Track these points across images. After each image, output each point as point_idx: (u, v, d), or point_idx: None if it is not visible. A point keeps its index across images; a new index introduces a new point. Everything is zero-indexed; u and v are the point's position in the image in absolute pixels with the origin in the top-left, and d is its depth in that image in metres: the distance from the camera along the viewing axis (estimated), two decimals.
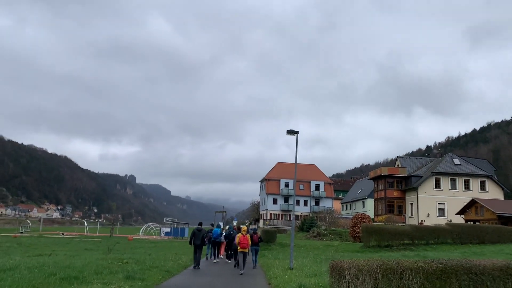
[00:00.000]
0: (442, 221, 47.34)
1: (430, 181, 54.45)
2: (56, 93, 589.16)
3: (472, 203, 45.38)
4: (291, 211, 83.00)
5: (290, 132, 16.40)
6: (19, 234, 58.42)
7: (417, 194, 54.04)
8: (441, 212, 53.88)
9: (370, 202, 74.51)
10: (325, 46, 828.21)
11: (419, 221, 50.24)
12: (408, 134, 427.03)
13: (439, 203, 53.97)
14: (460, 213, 47.15)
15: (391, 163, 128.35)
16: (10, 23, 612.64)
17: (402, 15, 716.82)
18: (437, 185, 54.47)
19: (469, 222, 41.79)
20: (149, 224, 70.23)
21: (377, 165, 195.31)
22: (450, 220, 45.34)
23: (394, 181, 58.40)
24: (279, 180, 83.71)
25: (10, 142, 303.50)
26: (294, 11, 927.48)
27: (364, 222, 32.03)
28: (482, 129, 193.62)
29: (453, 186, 54.50)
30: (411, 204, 55.95)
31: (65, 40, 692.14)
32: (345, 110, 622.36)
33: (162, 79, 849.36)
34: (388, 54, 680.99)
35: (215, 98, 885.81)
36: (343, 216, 63.19)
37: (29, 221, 74.66)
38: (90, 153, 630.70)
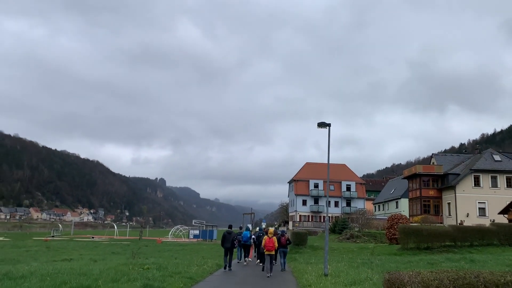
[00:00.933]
0: (483, 221, 44.70)
1: (468, 179, 51.59)
2: (89, 100, 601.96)
3: None
4: (321, 212, 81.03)
5: (321, 124, 14.98)
6: (50, 238, 58.97)
7: (455, 193, 51.27)
8: (482, 211, 50.93)
9: (404, 202, 71.79)
10: (355, 44, 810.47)
11: (458, 221, 47.57)
12: (441, 132, 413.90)
13: (479, 202, 51.02)
14: (503, 212, 44.20)
15: (424, 161, 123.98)
16: (46, 32, 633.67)
17: (434, 10, 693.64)
18: (477, 183, 51.53)
19: None
20: (178, 226, 69.70)
21: (409, 164, 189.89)
22: (493, 220, 42.61)
23: (429, 179, 55.74)
24: (308, 181, 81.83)
25: (45, 148, 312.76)
26: (324, 9, 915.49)
27: (400, 223, 30.11)
28: None
29: (494, 184, 51.45)
30: (449, 203, 53.21)
31: (98, 48, 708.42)
32: (375, 109, 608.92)
33: (191, 83, 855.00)
34: (420, 50, 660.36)
35: (244, 100, 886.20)
36: (377, 217, 60.81)
37: (60, 225, 75.59)
38: (122, 158, 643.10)
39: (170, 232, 63.57)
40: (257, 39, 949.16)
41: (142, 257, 24.60)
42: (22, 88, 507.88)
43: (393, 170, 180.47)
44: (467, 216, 49.97)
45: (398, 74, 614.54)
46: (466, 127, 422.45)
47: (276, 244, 16.45)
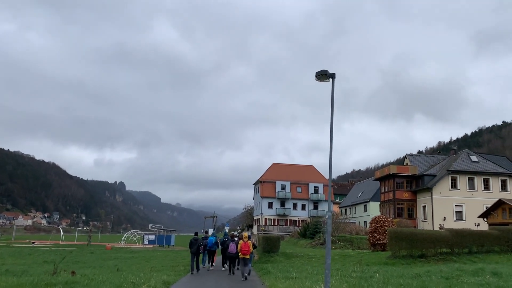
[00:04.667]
0: (460, 225, 41.51)
1: (445, 181, 48.65)
2: (56, 100, 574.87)
3: (498, 204, 39.60)
4: (287, 215, 76.96)
5: (322, 75, 10.34)
6: None
7: (432, 195, 48.15)
8: (459, 215, 48.05)
9: (373, 206, 68.76)
10: (331, 52, 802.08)
11: (437, 226, 44.40)
12: (404, 141, 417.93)
13: (456, 205, 48.09)
14: (483, 216, 41.40)
15: (381, 168, 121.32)
16: (13, 28, 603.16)
17: (410, 20, 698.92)
18: (454, 185, 48.66)
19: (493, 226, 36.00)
20: (132, 231, 63.58)
21: (369, 170, 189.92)
22: (478, 224, 39.71)
23: (403, 181, 52.46)
24: (275, 182, 77.52)
25: None
26: (303, 16, 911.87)
27: (386, 226, 26.07)
28: (474, 134, 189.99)
29: (471, 186, 48.75)
30: (424, 206, 50.11)
31: (70, 46, 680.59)
32: (345, 117, 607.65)
33: (164, 85, 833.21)
34: (393, 60, 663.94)
35: (216, 104, 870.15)
36: (351, 221, 57.07)
37: None
38: (84, 160, 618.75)
39: (123, 237, 57.54)
40: (235, 43, 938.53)
41: (69, 270, 19.26)
42: None
43: (353, 176, 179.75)
44: (444, 220, 46.95)
45: (370, 82, 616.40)
46: (429, 137, 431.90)
47: (251, 248, 17.03)
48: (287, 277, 13.70)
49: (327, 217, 10.65)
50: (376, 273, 14.54)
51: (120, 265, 25.29)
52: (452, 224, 45.08)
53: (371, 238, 26.97)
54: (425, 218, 49.49)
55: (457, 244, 22.64)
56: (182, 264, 23.17)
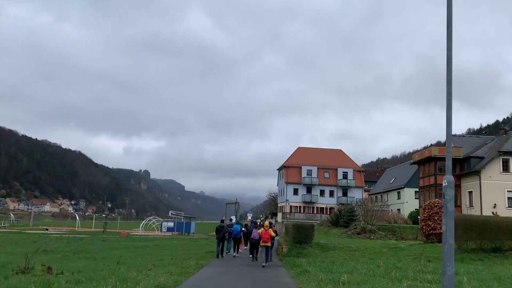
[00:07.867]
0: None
1: (496, 163, 43.19)
2: (88, 90, 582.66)
3: None
4: (314, 203, 72.41)
5: None
6: None
7: (480, 180, 42.85)
8: (511, 201, 42.71)
9: (408, 192, 63.68)
10: (365, 38, 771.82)
11: (492, 213, 39.15)
12: (435, 129, 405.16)
13: (508, 191, 42.67)
14: None
15: (409, 157, 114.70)
16: (49, 19, 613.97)
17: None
18: (505, 168, 43.16)
19: None
20: (150, 218, 60.47)
21: (395, 159, 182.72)
22: None
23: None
24: (301, 167, 72.80)
25: (24, 137, 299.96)
26: (339, 1, 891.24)
27: (442, 212, 21.47)
28: (506, 120, 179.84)
29: None
30: (470, 192, 44.84)
31: (103, 37, 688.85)
32: (377, 104, 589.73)
33: (194, 75, 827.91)
34: (430, 46, 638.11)
35: (245, 93, 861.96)
36: (389, 209, 52.16)
37: (12, 215, 65.71)
38: (112, 149, 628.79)
39: (141, 224, 54.44)
40: (267, 31, 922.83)
41: (63, 262, 15.54)
42: (18, 76, 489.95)
43: (378, 163, 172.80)
44: (494, 207, 41.70)
45: (404, 69, 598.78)
46: (462, 124, 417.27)
47: (274, 235, 17.32)
48: (335, 282, 9.36)
49: (446, 192, 6.35)
50: (463, 277, 10.07)
51: (125, 256, 21.62)
52: (503, 211, 39.94)
53: (424, 227, 22.29)
54: (471, 205, 44.27)
55: None
56: (196, 257, 19.23)
